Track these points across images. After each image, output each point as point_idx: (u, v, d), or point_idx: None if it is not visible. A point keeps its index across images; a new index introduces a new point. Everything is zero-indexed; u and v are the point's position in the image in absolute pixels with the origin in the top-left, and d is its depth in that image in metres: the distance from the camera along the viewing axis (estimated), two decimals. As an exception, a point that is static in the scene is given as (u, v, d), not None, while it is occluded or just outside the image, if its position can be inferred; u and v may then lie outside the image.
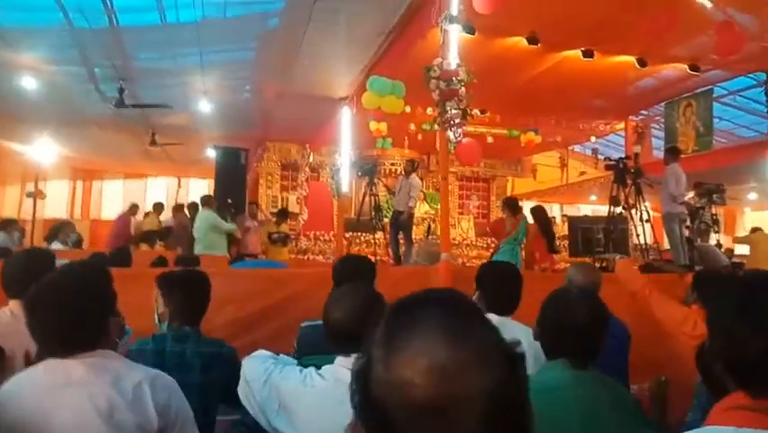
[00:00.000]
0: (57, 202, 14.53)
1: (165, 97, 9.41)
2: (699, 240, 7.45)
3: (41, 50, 7.58)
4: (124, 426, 1.37)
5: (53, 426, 1.34)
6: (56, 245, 6.36)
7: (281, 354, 1.82)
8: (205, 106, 9.22)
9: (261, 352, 1.78)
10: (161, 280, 2.21)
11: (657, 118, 11.07)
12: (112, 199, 15.30)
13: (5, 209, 14.00)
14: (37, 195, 12.43)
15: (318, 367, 1.62)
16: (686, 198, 7.35)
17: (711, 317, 1.19)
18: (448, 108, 4.18)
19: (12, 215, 12.08)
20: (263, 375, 1.62)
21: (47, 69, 8.12)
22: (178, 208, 9.48)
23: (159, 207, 9.30)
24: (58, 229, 6.69)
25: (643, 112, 10.96)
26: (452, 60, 4.29)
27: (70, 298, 1.42)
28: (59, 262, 3.22)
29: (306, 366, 1.68)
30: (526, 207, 13.17)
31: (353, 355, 1.57)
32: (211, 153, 11.15)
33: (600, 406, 1.58)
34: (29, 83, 8.24)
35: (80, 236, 7.88)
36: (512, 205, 7.31)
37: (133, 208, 8.77)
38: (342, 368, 1.59)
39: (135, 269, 4.13)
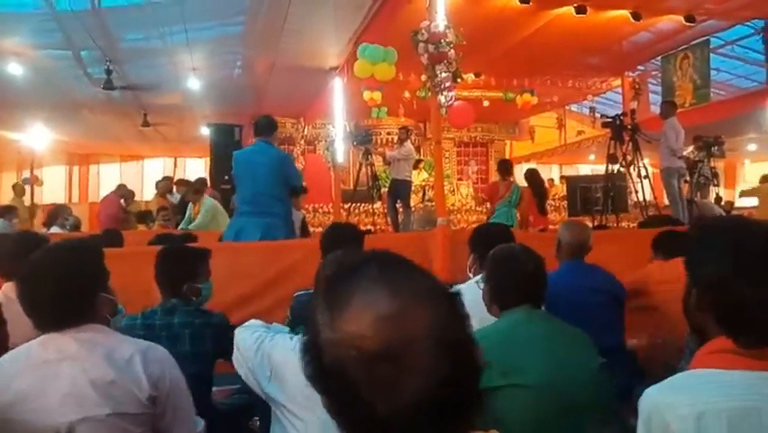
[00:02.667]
0: (54, 188, 14.54)
1: (154, 77, 9.30)
2: (698, 194, 7.41)
3: (23, 35, 7.47)
4: (118, 397, 1.39)
5: (49, 397, 1.37)
6: (54, 229, 6.38)
7: (274, 323, 1.84)
8: (195, 84, 9.11)
9: (253, 321, 1.80)
10: (156, 255, 2.24)
11: (654, 73, 10.91)
12: (109, 182, 15.27)
13: (3, 197, 14.02)
14: (33, 181, 12.41)
15: None
16: (685, 153, 7.29)
17: (693, 270, 1.18)
18: (438, 72, 4.12)
19: (9, 202, 12.08)
20: (255, 344, 1.64)
21: (32, 54, 8.01)
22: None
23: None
24: (55, 213, 6.70)
25: (639, 67, 10.79)
26: (440, 22, 4.21)
27: (55, 273, 1.44)
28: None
29: (298, 335, 1.69)
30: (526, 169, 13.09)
31: None
32: (205, 131, 11.06)
33: (557, 338, 1.75)
34: (15, 69, 8.14)
35: (78, 220, 7.87)
36: (504, 167, 7.28)
37: (120, 189, 8.71)
38: None
39: (131, 248, 4.13)
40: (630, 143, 6.95)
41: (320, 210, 10.46)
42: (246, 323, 1.81)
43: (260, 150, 4.22)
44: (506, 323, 1.75)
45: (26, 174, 13.18)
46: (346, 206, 9.49)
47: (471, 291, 1.99)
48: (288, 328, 1.76)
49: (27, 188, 9.79)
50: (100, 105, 10.42)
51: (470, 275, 2.52)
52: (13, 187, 9.22)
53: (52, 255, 1.50)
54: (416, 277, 0.68)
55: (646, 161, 7.24)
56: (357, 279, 0.67)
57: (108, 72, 8.19)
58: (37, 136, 12.01)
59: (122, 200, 8.52)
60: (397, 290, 0.65)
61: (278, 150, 4.46)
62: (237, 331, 1.75)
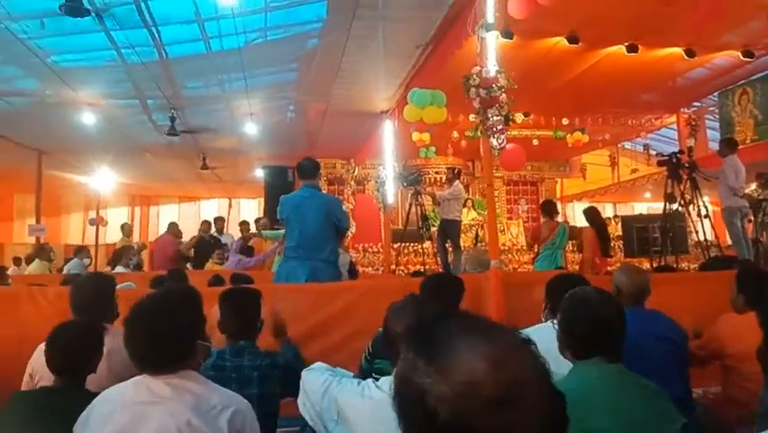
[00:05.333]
0: (117, 228, 15.26)
1: (214, 122, 9.77)
2: (763, 234, 7.08)
3: (97, 86, 8.04)
4: None
5: None
6: (119, 269, 6.67)
7: (338, 368, 1.87)
8: (251, 128, 9.49)
9: (319, 364, 1.83)
10: (219, 298, 2.32)
11: (711, 109, 10.63)
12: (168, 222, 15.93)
13: (70, 236, 14.81)
14: (99, 222, 13.08)
15: (378, 378, 1.66)
16: (747, 190, 7.02)
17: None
18: (490, 115, 4.17)
19: (76, 241, 12.78)
20: (322, 387, 1.67)
21: (104, 103, 8.59)
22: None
23: (219, 222, 9.49)
24: (120, 254, 7.02)
25: (695, 103, 10.56)
26: (491, 68, 4.28)
27: (162, 321, 1.54)
28: (124, 285, 3.38)
29: (376, 369, 1.72)
30: (578, 208, 12.85)
31: None
32: (259, 173, 11.46)
33: (634, 399, 1.64)
34: (88, 118, 8.72)
35: (141, 260, 8.24)
36: (548, 209, 7.13)
37: (172, 228, 9.02)
38: None
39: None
40: (688, 182, 6.75)
41: (369, 250, 10.54)
42: (312, 366, 1.84)
43: (309, 195, 4.28)
44: (576, 381, 1.61)
45: (92, 214, 13.92)
46: (396, 245, 9.53)
47: (546, 333, 1.88)
48: (351, 374, 1.80)
49: (126, 230, 9.97)
50: (162, 149, 10.98)
51: (543, 319, 2.51)
52: (122, 227, 9.63)
53: (157, 302, 1.61)
54: (500, 326, 0.72)
55: (706, 198, 7.00)
56: (450, 332, 0.69)
57: (172, 119, 8.65)
58: (103, 179, 12.74)
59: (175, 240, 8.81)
60: (494, 338, 0.68)
61: (326, 194, 4.53)
62: (304, 373, 1.79)
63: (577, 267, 7.56)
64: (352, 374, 1.78)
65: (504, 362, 0.65)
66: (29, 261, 8.82)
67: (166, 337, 1.52)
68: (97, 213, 13.35)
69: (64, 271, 7.87)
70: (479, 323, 0.72)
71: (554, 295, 2.39)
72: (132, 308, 1.59)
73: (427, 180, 11.70)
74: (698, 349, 2.76)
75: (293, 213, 4.26)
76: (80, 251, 8.31)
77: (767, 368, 1.14)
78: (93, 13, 5.66)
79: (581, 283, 2.39)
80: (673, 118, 10.67)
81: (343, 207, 4.46)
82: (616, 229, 10.76)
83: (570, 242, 7.45)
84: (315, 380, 1.72)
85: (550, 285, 2.51)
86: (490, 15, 4.42)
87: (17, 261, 11.16)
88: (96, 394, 1.63)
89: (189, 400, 1.49)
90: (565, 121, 10.38)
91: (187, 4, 6.22)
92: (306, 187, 4.35)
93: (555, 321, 1.86)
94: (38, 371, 2.29)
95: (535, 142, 10.89)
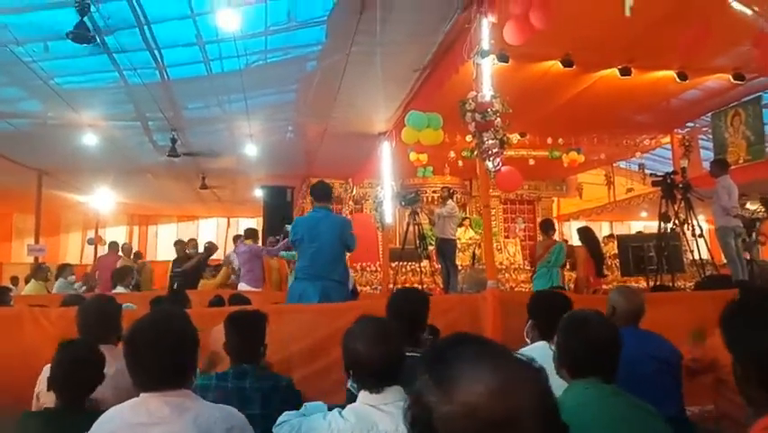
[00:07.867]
0: (116, 247, 15.26)
1: (214, 143, 9.86)
2: (749, 253, 7.16)
3: (99, 107, 8.14)
4: None
5: None
6: (119, 289, 6.66)
7: (309, 404, 1.92)
8: (251, 149, 9.58)
9: (286, 415, 1.86)
10: (225, 320, 2.36)
11: (705, 129, 10.76)
12: (166, 242, 15.96)
13: (69, 256, 14.81)
14: (97, 241, 13.09)
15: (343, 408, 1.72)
16: (755, 213, 7.11)
17: (736, 344, 1.19)
18: (485, 139, 4.26)
19: (74, 261, 12.79)
20: None
21: (105, 125, 8.68)
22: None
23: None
24: (122, 274, 7.00)
25: (689, 124, 10.69)
26: (487, 93, 4.39)
27: (167, 340, 1.58)
28: (124, 306, 3.41)
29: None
30: (575, 227, 12.95)
31: (385, 390, 1.63)
32: (258, 193, 11.53)
33: (629, 419, 1.69)
34: (90, 139, 8.81)
35: (139, 280, 8.25)
36: (544, 227, 7.24)
37: (114, 246, 9.30)
38: (364, 405, 1.67)
39: (198, 309, 4.30)
40: (682, 202, 6.84)
41: (367, 269, 10.58)
42: (279, 419, 1.86)
43: (323, 216, 4.48)
44: (571, 400, 1.66)
45: (91, 234, 13.95)
46: (393, 264, 9.58)
47: (541, 355, 1.96)
48: (324, 406, 1.84)
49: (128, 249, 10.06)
50: (162, 169, 11.06)
51: (528, 341, 2.55)
52: (122, 247, 9.63)
53: (160, 322, 1.65)
54: (508, 354, 0.76)
55: (701, 217, 7.08)
56: (459, 358, 0.74)
57: (173, 141, 8.73)
58: (102, 199, 12.81)
59: (120, 254, 8.98)
60: (498, 365, 0.73)
61: (338, 216, 4.67)
62: (274, 430, 1.83)
63: (572, 286, 7.61)
64: (324, 407, 1.82)
65: (504, 389, 0.69)
66: (28, 281, 8.84)
67: (171, 356, 1.56)
68: (96, 232, 13.40)
69: (53, 291, 7.90)
70: (492, 350, 0.76)
71: (537, 313, 2.48)
72: (133, 327, 1.61)
73: (424, 199, 11.79)
74: (692, 362, 2.81)
75: (307, 233, 4.40)
76: (63, 270, 8.35)
77: (742, 390, 1.18)
78: (97, 38, 5.77)
79: (562, 301, 2.46)
80: (668, 138, 10.81)
81: (352, 230, 4.59)
82: (612, 248, 10.83)
83: (567, 260, 7.51)
84: (284, 430, 1.78)
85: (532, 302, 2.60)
86: (486, 43, 4.53)
87: (14, 280, 11.16)
88: (95, 414, 1.66)
89: (190, 418, 1.53)
90: (561, 141, 10.49)
91: (188, 27, 6.35)
92: (319, 208, 4.55)
93: (551, 342, 1.93)
94: (43, 392, 2.33)
95: (531, 162, 10.99)
